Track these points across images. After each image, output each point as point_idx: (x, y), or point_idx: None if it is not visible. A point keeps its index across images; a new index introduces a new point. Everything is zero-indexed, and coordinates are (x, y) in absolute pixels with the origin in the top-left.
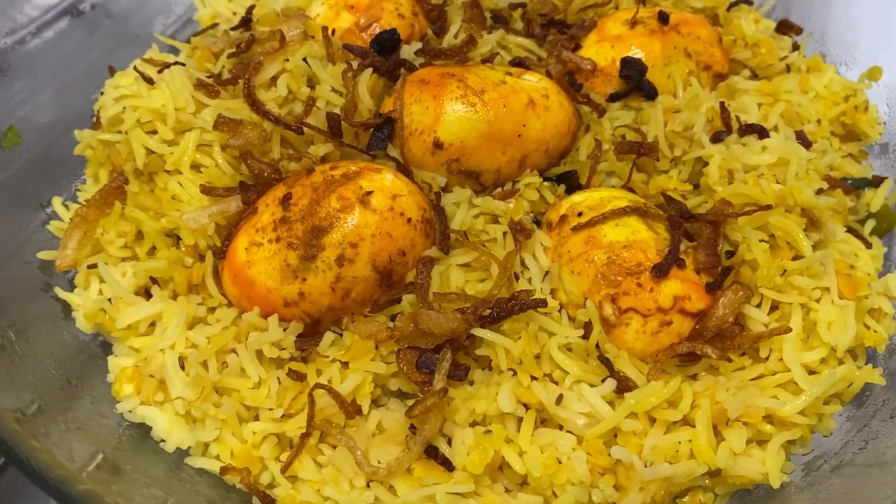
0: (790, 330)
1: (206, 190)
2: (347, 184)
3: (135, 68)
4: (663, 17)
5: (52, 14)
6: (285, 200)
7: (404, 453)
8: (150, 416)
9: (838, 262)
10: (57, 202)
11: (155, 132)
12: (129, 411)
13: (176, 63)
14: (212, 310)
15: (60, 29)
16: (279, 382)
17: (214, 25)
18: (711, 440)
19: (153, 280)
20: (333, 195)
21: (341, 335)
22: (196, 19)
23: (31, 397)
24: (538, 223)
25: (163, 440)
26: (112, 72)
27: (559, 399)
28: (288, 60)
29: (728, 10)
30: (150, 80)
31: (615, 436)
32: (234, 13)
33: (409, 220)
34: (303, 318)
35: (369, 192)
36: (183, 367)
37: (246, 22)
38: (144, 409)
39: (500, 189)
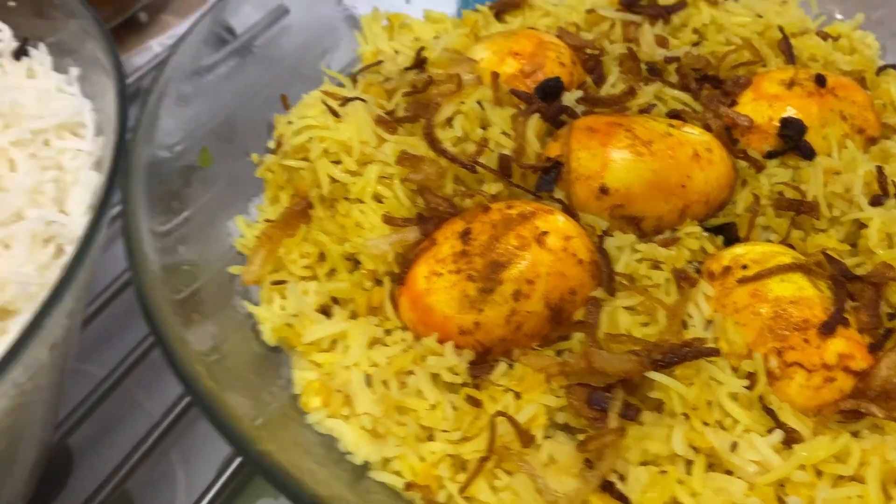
0: None
1: (388, 219)
2: (524, 223)
3: (323, 101)
4: (821, 81)
5: (217, 46)
6: (465, 235)
7: (583, 484)
8: (338, 430)
9: None
10: (240, 221)
11: (339, 162)
12: (318, 423)
13: (357, 98)
14: (388, 332)
15: (225, 59)
16: (453, 407)
17: (379, 62)
18: (881, 498)
19: (334, 300)
20: (512, 233)
21: (510, 366)
22: (358, 55)
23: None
24: (697, 272)
25: (349, 452)
26: (284, 101)
27: (734, 446)
28: (464, 103)
29: (877, 73)
30: (335, 114)
31: (782, 485)
32: (396, 52)
33: (581, 260)
34: (475, 347)
35: (545, 233)
36: (370, 385)
37: (420, 63)
38: (332, 422)
39: (660, 236)
